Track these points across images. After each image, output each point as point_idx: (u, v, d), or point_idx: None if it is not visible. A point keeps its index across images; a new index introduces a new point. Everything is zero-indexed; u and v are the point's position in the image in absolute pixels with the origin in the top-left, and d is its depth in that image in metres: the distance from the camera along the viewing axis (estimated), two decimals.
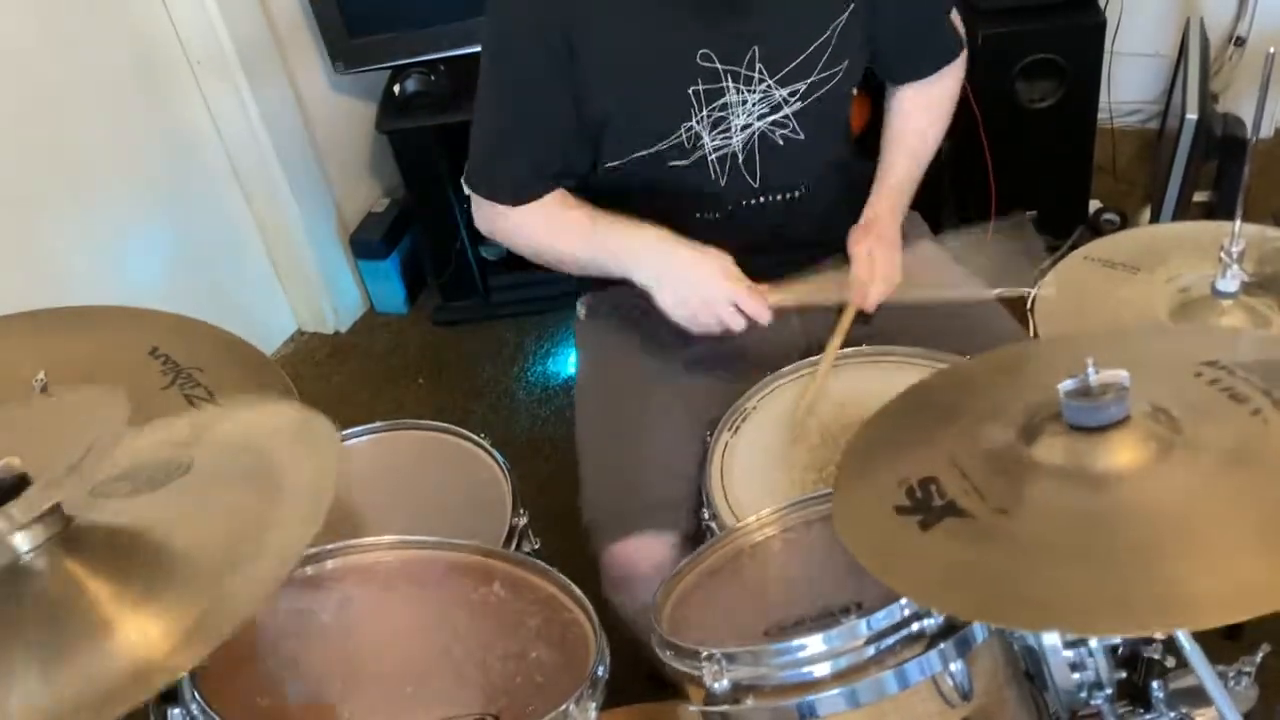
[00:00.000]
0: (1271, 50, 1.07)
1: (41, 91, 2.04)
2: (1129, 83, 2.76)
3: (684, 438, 1.35)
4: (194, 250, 2.40)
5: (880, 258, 1.39)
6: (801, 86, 1.37)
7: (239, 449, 0.94)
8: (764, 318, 1.29)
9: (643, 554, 1.29)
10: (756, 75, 1.35)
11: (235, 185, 2.49)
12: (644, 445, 1.36)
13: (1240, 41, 2.65)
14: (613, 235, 1.36)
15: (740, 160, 1.40)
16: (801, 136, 1.41)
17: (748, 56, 1.33)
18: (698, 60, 1.32)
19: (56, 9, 2.04)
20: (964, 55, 1.55)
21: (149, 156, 2.28)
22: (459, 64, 2.39)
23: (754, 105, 1.37)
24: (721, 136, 1.38)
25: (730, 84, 1.34)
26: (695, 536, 1.30)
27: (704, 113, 1.35)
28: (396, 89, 2.42)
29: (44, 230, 2.07)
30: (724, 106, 1.36)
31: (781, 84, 1.36)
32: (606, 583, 1.35)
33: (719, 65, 1.33)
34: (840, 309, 1.38)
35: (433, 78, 2.41)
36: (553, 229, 1.42)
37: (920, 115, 1.52)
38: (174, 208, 2.34)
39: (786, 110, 1.38)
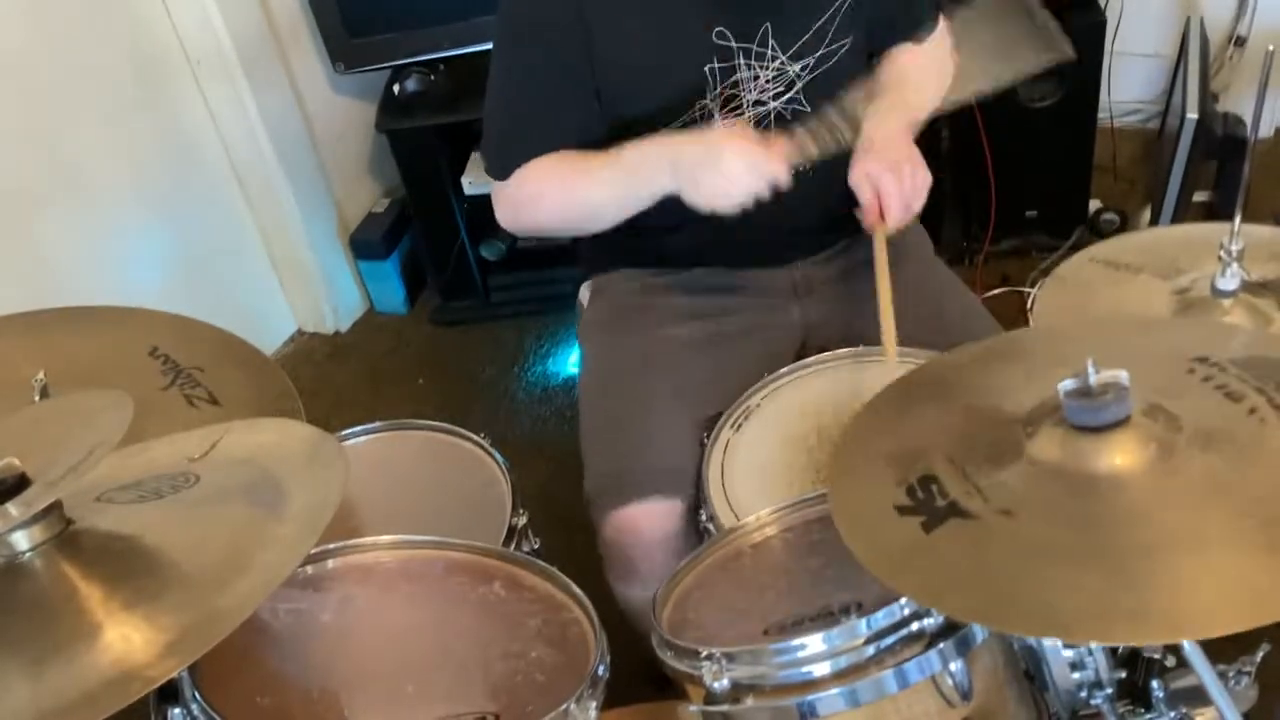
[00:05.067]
0: (1270, 48, 1.07)
1: (41, 91, 2.04)
2: (1129, 82, 2.76)
3: (687, 411, 1.35)
4: (194, 250, 2.40)
5: (881, 175, 1.32)
6: (811, 60, 1.38)
7: (248, 467, 0.95)
8: (781, 179, 1.24)
9: (646, 521, 1.29)
10: (769, 52, 1.35)
11: (235, 185, 2.49)
12: (647, 418, 1.36)
13: (1240, 41, 2.65)
14: (628, 154, 1.31)
15: None
16: (810, 110, 1.41)
17: (760, 33, 1.34)
18: (713, 39, 1.33)
19: (56, 9, 2.04)
20: (950, 61, 1.53)
21: (149, 156, 2.28)
22: (459, 64, 2.39)
23: (767, 83, 1.37)
24: (733, 114, 1.38)
25: (742, 61, 1.35)
26: (695, 514, 1.30)
27: (717, 90, 1.36)
28: (396, 89, 2.42)
29: (44, 230, 2.07)
30: (735, 84, 1.36)
31: (794, 59, 1.37)
32: (608, 562, 1.35)
33: (733, 43, 1.33)
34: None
35: (433, 78, 2.41)
36: (571, 174, 1.37)
37: (910, 70, 1.49)
38: (174, 208, 2.34)
39: (799, 86, 1.39)
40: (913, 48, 1.51)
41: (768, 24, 1.34)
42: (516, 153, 1.41)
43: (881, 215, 1.33)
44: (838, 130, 1.31)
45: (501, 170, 1.42)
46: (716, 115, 1.37)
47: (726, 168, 1.23)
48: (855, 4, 1.38)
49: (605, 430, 1.40)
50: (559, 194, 1.39)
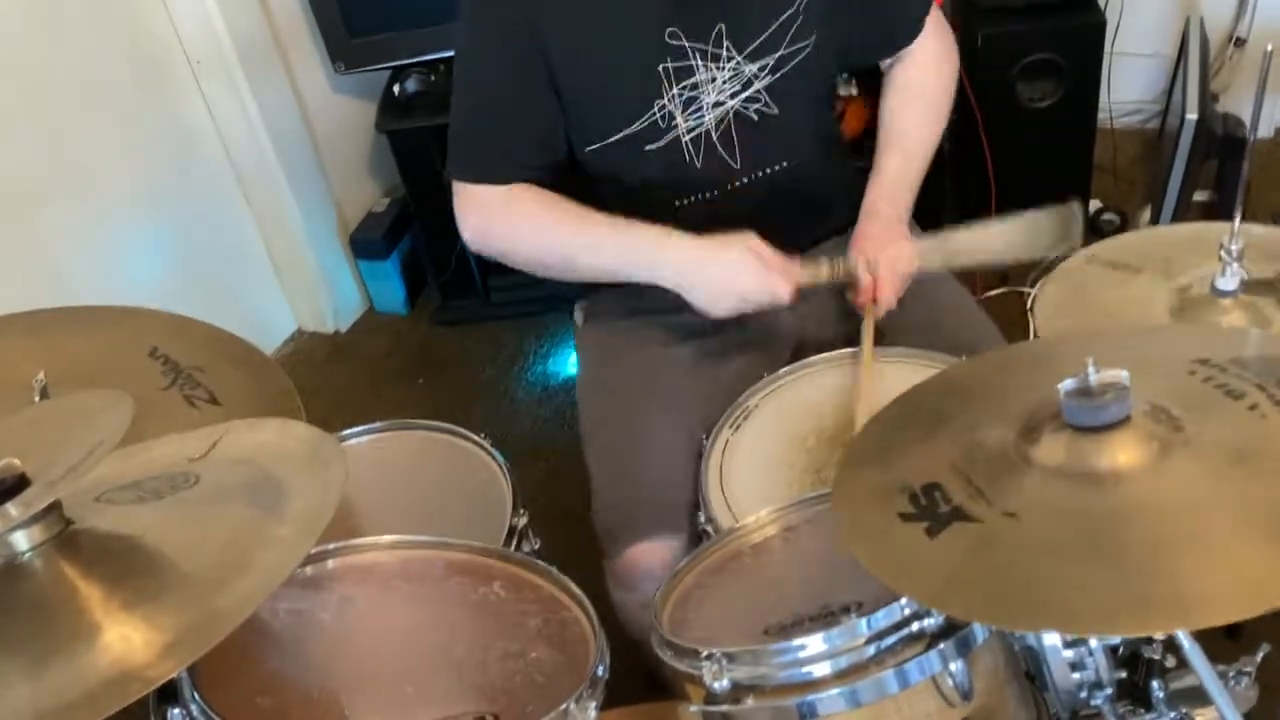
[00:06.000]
0: (1269, 48, 1.07)
1: (41, 92, 2.04)
2: (1129, 83, 2.76)
3: (688, 439, 1.34)
4: (194, 250, 2.40)
5: (881, 262, 1.37)
6: (770, 61, 1.38)
7: (248, 467, 0.95)
8: (787, 300, 1.28)
9: (655, 557, 1.29)
10: (724, 53, 1.35)
11: (235, 185, 2.49)
12: (650, 450, 1.35)
13: (1240, 41, 2.65)
14: (632, 235, 1.33)
15: (715, 139, 1.40)
16: (776, 111, 1.41)
17: (714, 33, 1.34)
18: (666, 38, 1.33)
19: (57, 9, 2.04)
20: (952, 51, 1.54)
21: (149, 156, 2.28)
22: None
23: (724, 83, 1.37)
24: (694, 116, 1.38)
25: (699, 62, 1.35)
26: (699, 536, 1.30)
27: (675, 91, 1.36)
28: (396, 89, 2.42)
29: (44, 230, 2.07)
30: (694, 85, 1.36)
31: (750, 59, 1.37)
32: (615, 584, 1.35)
33: (686, 43, 1.33)
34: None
35: (433, 78, 2.41)
36: (560, 217, 1.37)
37: (908, 111, 1.51)
38: (174, 207, 2.34)
39: (758, 85, 1.39)
40: (909, 61, 1.51)
41: (722, 25, 1.34)
42: (478, 151, 1.40)
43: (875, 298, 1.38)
44: (840, 271, 1.35)
45: (462, 170, 1.40)
46: (678, 116, 1.37)
47: (737, 286, 1.28)
48: (816, 5, 1.37)
49: (612, 463, 1.39)
50: (545, 240, 1.38)
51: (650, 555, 1.29)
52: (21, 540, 0.83)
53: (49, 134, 2.06)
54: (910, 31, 1.50)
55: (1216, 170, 2.32)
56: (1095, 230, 2.53)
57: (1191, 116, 2.08)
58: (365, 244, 2.69)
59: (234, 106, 2.37)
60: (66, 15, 2.06)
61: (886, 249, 1.38)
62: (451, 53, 2.31)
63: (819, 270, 1.34)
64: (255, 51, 2.36)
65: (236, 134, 2.41)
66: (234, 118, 2.39)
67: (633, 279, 1.35)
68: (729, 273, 1.28)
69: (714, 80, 1.36)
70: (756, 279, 1.27)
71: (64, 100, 2.08)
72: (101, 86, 2.16)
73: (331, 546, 1.06)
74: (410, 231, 2.75)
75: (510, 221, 1.39)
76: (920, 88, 1.52)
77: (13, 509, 0.79)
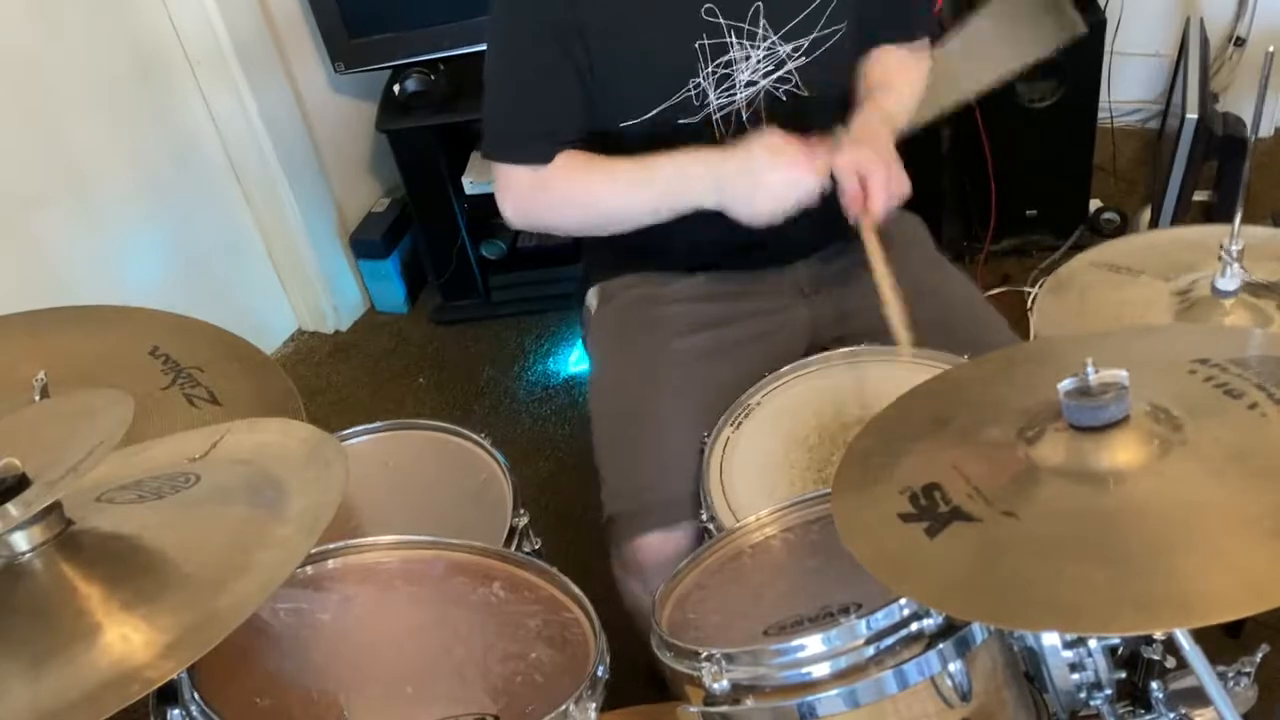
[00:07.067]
0: (1271, 49, 1.07)
1: (41, 92, 2.04)
2: (1129, 82, 2.76)
3: (700, 429, 1.34)
4: (194, 250, 2.40)
5: (867, 165, 1.30)
6: (805, 42, 1.38)
7: (248, 467, 0.95)
8: (815, 187, 1.28)
9: (665, 548, 1.30)
10: (760, 31, 1.36)
11: (235, 185, 2.49)
12: (662, 439, 1.35)
13: (1240, 41, 2.66)
14: (666, 170, 1.34)
15: (745, 118, 1.40)
16: (806, 94, 1.41)
17: (751, 11, 1.35)
18: (702, 15, 1.33)
19: (56, 9, 2.04)
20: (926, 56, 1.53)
21: (149, 156, 2.28)
22: (459, 64, 2.39)
23: (758, 62, 1.38)
24: (726, 94, 1.38)
25: (734, 39, 1.35)
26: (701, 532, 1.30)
27: (709, 68, 1.36)
28: (396, 89, 2.42)
29: (44, 230, 2.07)
30: (728, 64, 1.37)
31: (785, 40, 1.37)
32: (622, 570, 1.35)
33: (722, 20, 1.34)
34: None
35: (433, 78, 2.41)
36: (593, 176, 1.39)
37: (895, 72, 1.48)
38: (174, 208, 2.34)
39: (790, 65, 1.39)
40: (898, 50, 1.50)
41: (759, 3, 1.34)
42: (517, 132, 1.41)
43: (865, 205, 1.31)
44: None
45: (503, 151, 1.42)
46: (711, 94, 1.38)
47: (768, 185, 1.27)
48: None
49: (621, 453, 1.39)
50: (586, 202, 1.41)
51: (663, 545, 1.29)
52: (21, 540, 0.83)
53: (48, 134, 2.06)
54: (923, 26, 1.51)
55: (1216, 170, 2.32)
56: (1096, 230, 2.53)
57: (1192, 116, 2.08)
58: (365, 244, 2.69)
59: (234, 106, 2.37)
60: (66, 15, 2.06)
61: (876, 154, 1.32)
62: (451, 53, 2.38)
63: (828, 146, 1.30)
64: (255, 51, 2.36)
65: (236, 134, 2.41)
66: (234, 117, 2.39)
67: (683, 211, 1.35)
68: (760, 183, 1.28)
69: (748, 59, 1.37)
70: (785, 178, 1.27)
71: (63, 100, 2.08)
72: (101, 86, 2.16)
73: (332, 546, 1.06)
74: (410, 231, 2.75)
75: (549, 198, 1.42)
76: (911, 62, 1.50)
77: (13, 509, 0.79)
